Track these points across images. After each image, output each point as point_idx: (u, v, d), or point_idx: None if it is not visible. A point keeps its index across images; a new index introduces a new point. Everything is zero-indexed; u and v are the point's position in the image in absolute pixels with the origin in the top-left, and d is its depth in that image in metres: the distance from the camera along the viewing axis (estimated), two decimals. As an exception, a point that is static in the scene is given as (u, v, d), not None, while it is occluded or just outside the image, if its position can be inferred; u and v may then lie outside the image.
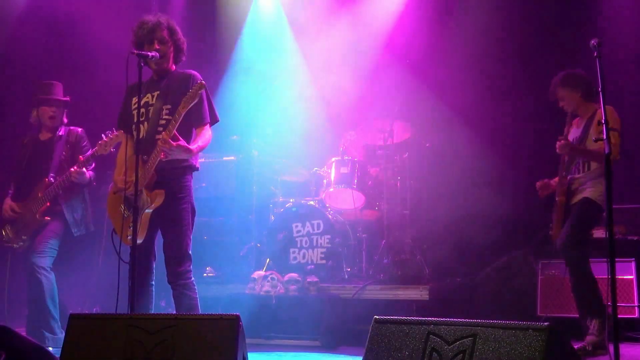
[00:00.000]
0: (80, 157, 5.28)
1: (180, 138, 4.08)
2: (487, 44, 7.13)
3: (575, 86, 5.06)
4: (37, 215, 5.27)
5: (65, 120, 5.60)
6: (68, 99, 5.58)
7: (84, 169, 5.27)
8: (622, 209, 6.10)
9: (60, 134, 5.51)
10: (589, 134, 4.91)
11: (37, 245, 5.26)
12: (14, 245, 5.33)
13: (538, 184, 5.17)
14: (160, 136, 4.10)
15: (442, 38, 7.42)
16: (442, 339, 2.63)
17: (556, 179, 5.09)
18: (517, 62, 7.22)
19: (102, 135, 5.16)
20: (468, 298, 6.51)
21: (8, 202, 5.43)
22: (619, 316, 5.36)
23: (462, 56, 7.24)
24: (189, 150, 4.17)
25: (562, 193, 4.98)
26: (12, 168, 5.65)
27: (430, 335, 2.66)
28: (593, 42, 3.86)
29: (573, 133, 5.11)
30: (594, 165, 4.93)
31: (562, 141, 4.85)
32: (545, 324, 2.48)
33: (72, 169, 5.20)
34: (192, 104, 4.06)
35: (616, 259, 5.73)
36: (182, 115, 4.06)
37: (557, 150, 4.89)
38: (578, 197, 4.95)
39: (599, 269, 4.92)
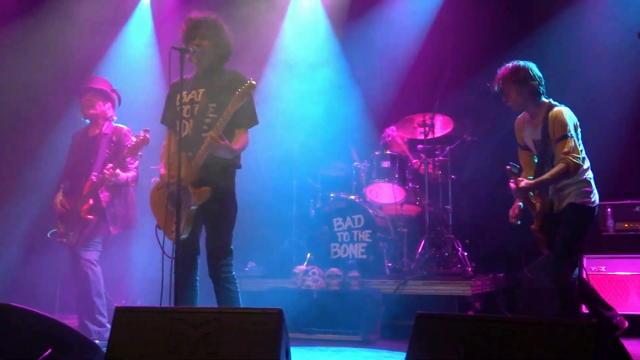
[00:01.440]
0: (110, 163, 5.35)
1: (225, 138, 4.11)
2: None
3: (526, 82, 4.58)
4: (82, 213, 5.36)
5: (111, 115, 5.63)
6: (107, 89, 5.60)
7: (118, 171, 5.33)
8: (633, 204, 6.14)
9: (105, 131, 5.55)
10: (550, 134, 4.53)
11: (84, 240, 5.35)
12: (63, 239, 5.45)
13: (512, 213, 4.83)
14: (207, 134, 4.12)
15: (484, 29, 7.32)
16: (486, 335, 2.59)
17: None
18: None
19: (131, 137, 5.21)
20: (511, 294, 6.43)
21: (59, 198, 5.53)
22: (636, 313, 5.39)
23: (505, 48, 7.15)
24: (233, 151, 4.20)
25: (538, 216, 4.65)
26: (65, 163, 5.75)
27: (474, 331, 2.63)
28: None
29: (530, 135, 4.73)
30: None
31: (514, 187, 4.58)
32: (593, 320, 2.44)
33: (106, 172, 5.26)
34: (240, 104, 4.09)
35: (618, 255, 5.80)
36: (231, 115, 4.09)
37: (514, 195, 4.64)
38: (564, 204, 4.57)
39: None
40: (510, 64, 4.66)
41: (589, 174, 4.61)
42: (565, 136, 4.45)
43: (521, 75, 4.59)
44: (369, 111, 7.90)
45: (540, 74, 4.64)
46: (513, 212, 4.82)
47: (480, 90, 7.07)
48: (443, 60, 6.69)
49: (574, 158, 4.40)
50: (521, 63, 4.64)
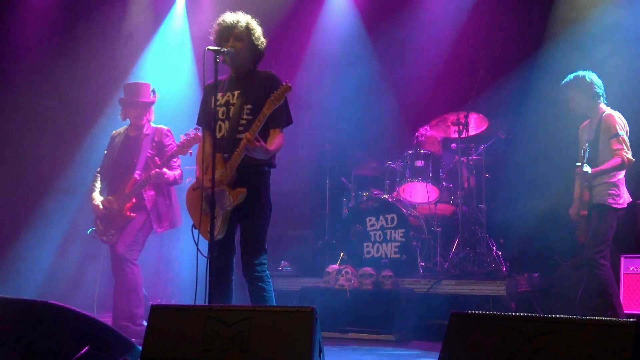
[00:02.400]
0: (157, 159, 5.42)
1: (261, 139, 4.13)
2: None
3: (586, 88, 5.23)
4: (124, 212, 5.45)
5: (152, 118, 5.74)
6: (154, 99, 5.71)
7: (164, 170, 5.42)
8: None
9: (146, 132, 5.66)
10: (600, 136, 5.16)
11: (125, 239, 5.44)
12: (103, 238, 5.53)
13: (572, 211, 5.38)
14: (243, 135, 4.15)
15: (518, 26, 7.25)
16: (523, 335, 2.56)
17: (576, 195, 5.33)
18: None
19: (181, 136, 5.28)
20: (546, 294, 6.34)
21: (98, 197, 5.61)
22: None
23: (538, 45, 7.08)
24: (268, 152, 4.22)
25: (584, 205, 5.20)
26: (102, 162, 5.84)
27: (510, 331, 2.60)
28: None
29: (587, 136, 5.32)
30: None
31: (579, 169, 5.09)
32: (632, 320, 2.39)
33: (153, 172, 5.37)
34: (277, 106, 4.10)
35: None
36: (267, 116, 4.10)
37: (577, 176, 5.20)
38: (594, 201, 5.18)
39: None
40: (575, 73, 5.31)
41: (621, 176, 5.19)
42: (617, 134, 5.07)
43: (583, 81, 5.24)
44: (403, 110, 7.87)
45: (600, 82, 5.27)
46: (573, 210, 5.37)
47: (515, 88, 7.06)
48: (477, 57, 6.61)
49: (626, 154, 5.03)
50: (581, 71, 5.30)
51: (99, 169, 5.81)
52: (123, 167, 5.61)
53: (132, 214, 5.45)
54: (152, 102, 5.70)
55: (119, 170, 5.63)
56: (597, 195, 5.17)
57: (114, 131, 5.89)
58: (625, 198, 5.20)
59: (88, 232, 5.68)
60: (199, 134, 5.05)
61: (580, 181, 5.20)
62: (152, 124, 5.74)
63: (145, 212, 5.50)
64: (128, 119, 5.73)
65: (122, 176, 5.57)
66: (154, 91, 5.72)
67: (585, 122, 5.45)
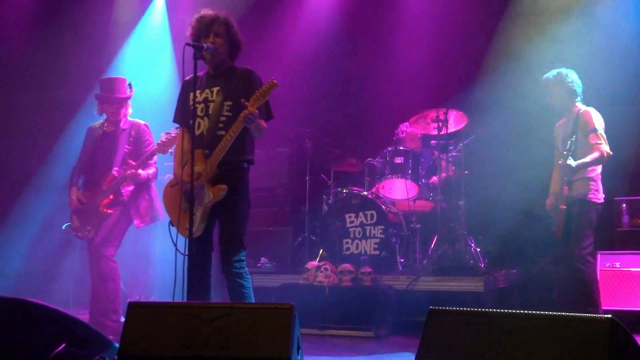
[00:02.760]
0: (132, 161, 5.38)
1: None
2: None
3: (565, 85, 5.31)
4: (101, 208, 5.40)
5: (129, 113, 5.69)
6: (130, 95, 5.66)
7: (140, 171, 5.37)
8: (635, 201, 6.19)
9: (123, 127, 5.61)
10: (577, 133, 5.19)
11: (103, 234, 5.40)
12: (78, 233, 5.48)
13: (549, 201, 5.44)
14: (223, 132, 4.17)
15: (496, 23, 7.29)
16: (500, 330, 2.58)
17: (552, 190, 5.41)
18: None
19: (162, 135, 5.24)
20: (524, 290, 6.40)
21: (75, 193, 5.55)
22: (636, 309, 5.42)
23: (517, 43, 7.13)
24: (263, 130, 4.26)
25: (563, 200, 5.23)
26: (79, 157, 5.78)
27: (487, 326, 2.62)
28: None
29: (562, 133, 5.42)
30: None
31: (562, 162, 5.09)
32: (608, 316, 2.42)
33: (128, 172, 5.32)
34: (262, 102, 4.11)
35: (633, 251, 5.78)
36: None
37: (561, 169, 5.17)
38: (573, 196, 5.22)
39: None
40: (556, 70, 5.36)
41: (598, 171, 5.26)
42: (595, 129, 5.14)
43: (564, 78, 5.30)
44: (383, 107, 7.88)
45: (579, 81, 5.35)
46: (550, 201, 5.43)
47: (494, 85, 7.11)
48: (457, 55, 6.65)
49: (605, 148, 5.09)
50: (563, 69, 5.36)
51: (76, 164, 5.75)
52: (100, 163, 5.56)
53: (109, 211, 5.40)
54: (129, 97, 5.65)
55: (96, 166, 5.58)
56: (576, 190, 5.21)
57: (90, 125, 5.83)
58: (602, 193, 5.27)
59: (63, 227, 5.63)
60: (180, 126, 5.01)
61: (561, 175, 5.22)
62: (129, 119, 5.69)
63: (123, 208, 5.46)
64: (105, 114, 5.67)
65: (99, 172, 5.53)
66: (130, 85, 5.67)
67: (561, 121, 5.51)
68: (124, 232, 5.51)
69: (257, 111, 4.08)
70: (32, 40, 7.36)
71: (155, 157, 5.56)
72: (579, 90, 5.35)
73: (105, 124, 5.70)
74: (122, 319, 5.13)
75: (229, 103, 4.28)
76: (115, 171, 5.43)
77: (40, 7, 7.37)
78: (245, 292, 4.24)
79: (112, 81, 5.71)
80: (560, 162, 5.13)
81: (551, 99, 5.42)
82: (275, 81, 4.09)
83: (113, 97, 5.59)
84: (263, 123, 4.26)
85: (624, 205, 6.19)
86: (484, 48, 7.29)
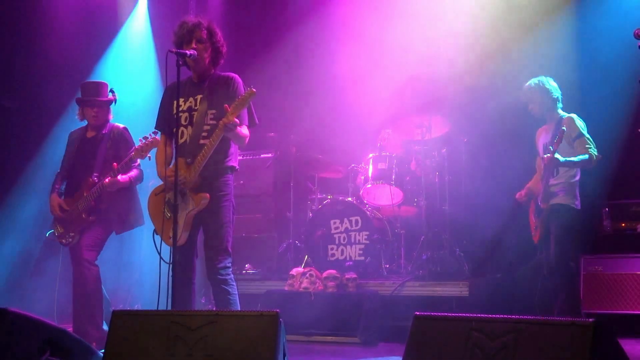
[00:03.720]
0: (115, 164, 5.34)
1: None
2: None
3: (546, 93, 5.40)
4: (83, 214, 5.35)
5: (110, 117, 5.63)
6: (112, 98, 5.60)
7: (119, 177, 5.32)
8: (630, 204, 6.23)
9: (104, 132, 5.56)
10: (559, 130, 5.15)
11: (84, 240, 5.33)
12: (62, 240, 5.44)
13: (520, 194, 5.56)
14: (206, 141, 4.17)
15: (477, 32, 7.33)
16: (485, 335, 2.59)
17: (530, 185, 5.55)
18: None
19: (140, 139, 5.20)
20: (509, 294, 6.43)
21: (57, 200, 5.49)
22: (634, 312, 5.47)
23: (504, 48, 7.19)
24: (243, 139, 4.25)
25: (544, 200, 5.29)
26: (61, 163, 5.72)
27: (472, 332, 2.63)
28: (636, 31, 3.83)
29: (543, 138, 5.49)
30: (562, 170, 5.28)
31: (549, 156, 5.08)
32: (591, 320, 2.43)
33: (106, 181, 5.26)
34: (241, 110, 4.11)
35: (615, 254, 5.88)
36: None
37: (544, 163, 5.18)
38: (552, 201, 5.28)
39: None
40: (537, 78, 5.46)
41: (577, 177, 5.33)
42: (582, 134, 5.22)
43: (543, 86, 5.40)
44: (366, 113, 7.90)
45: (557, 88, 5.46)
46: (520, 194, 5.56)
47: (477, 91, 7.15)
48: (439, 61, 6.68)
49: (594, 151, 5.14)
50: (542, 77, 5.46)
51: (59, 170, 5.72)
52: (81, 169, 5.50)
53: (90, 217, 5.36)
54: (110, 101, 5.59)
55: (77, 172, 5.52)
56: (556, 195, 5.27)
57: (72, 131, 5.78)
58: (579, 200, 5.33)
59: (47, 234, 5.58)
60: (157, 137, 4.95)
61: (544, 172, 5.25)
62: (110, 122, 5.62)
63: (104, 214, 5.41)
64: (86, 120, 5.64)
65: (80, 178, 5.47)
66: (112, 90, 5.61)
67: (542, 127, 5.59)
68: (105, 238, 5.45)
69: (236, 120, 4.06)
70: (16, 45, 7.30)
71: (138, 160, 5.52)
72: (560, 96, 5.45)
73: (87, 130, 5.65)
74: (106, 327, 5.11)
75: (213, 111, 4.28)
76: (95, 177, 5.39)
77: (21, 10, 7.30)
78: (231, 298, 4.24)
79: (94, 85, 5.65)
80: (546, 155, 5.13)
81: (535, 107, 5.49)
82: (253, 90, 4.08)
83: (94, 100, 5.53)
84: (244, 131, 4.25)
85: (606, 209, 6.24)
86: (465, 53, 7.33)
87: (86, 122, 5.65)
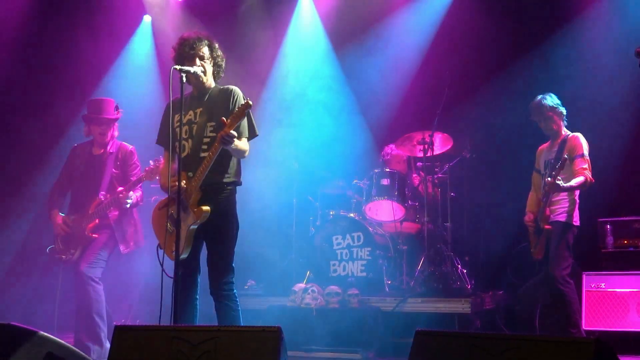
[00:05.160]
0: (120, 189, 5.34)
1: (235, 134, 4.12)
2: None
3: (554, 109, 5.41)
4: (87, 232, 5.38)
5: (116, 134, 5.68)
6: (118, 116, 5.65)
7: (131, 193, 5.35)
8: (632, 221, 6.23)
9: (111, 150, 5.60)
10: (562, 156, 5.16)
11: (87, 257, 5.35)
12: (63, 256, 5.45)
13: (529, 219, 5.50)
14: (206, 154, 4.17)
15: (481, 48, 7.37)
16: (486, 352, 2.59)
17: (530, 207, 5.56)
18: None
19: (150, 162, 5.20)
20: (511, 311, 6.41)
21: (59, 218, 5.53)
22: (636, 330, 5.47)
23: (501, 67, 7.22)
24: (243, 152, 4.24)
25: (544, 220, 5.29)
26: (59, 175, 5.73)
27: (474, 348, 2.63)
28: (637, 49, 3.84)
29: (545, 156, 5.51)
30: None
31: (551, 181, 5.05)
32: (592, 337, 2.44)
33: (120, 195, 5.27)
34: (238, 123, 4.11)
35: (617, 272, 5.88)
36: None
37: (547, 189, 5.18)
38: (552, 219, 5.29)
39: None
40: (545, 95, 5.44)
41: (576, 194, 5.33)
42: (582, 154, 5.22)
43: (554, 102, 5.42)
44: (369, 129, 7.92)
45: (560, 103, 5.46)
46: (529, 218, 5.51)
47: (479, 108, 7.18)
48: (442, 78, 6.70)
49: (589, 174, 5.16)
50: (549, 94, 5.46)
51: (55, 183, 5.71)
52: (87, 186, 5.53)
53: (94, 235, 5.38)
54: (116, 119, 5.65)
55: (83, 189, 5.55)
56: (556, 212, 5.29)
57: (76, 145, 5.82)
58: (577, 217, 5.35)
59: (47, 250, 5.59)
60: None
61: (543, 194, 5.28)
62: (117, 140, 5.68)
63: (108, 231, 5.44)
64: (92, 136, 5.67)
65: (86, 195, 5.50)
66: (117, 107, 5.66)
67: (545, 144, 5.59)
68: (109, 254, 5.48)
69: (233, 132, 4.07)
70: (21, 62, 7.35)
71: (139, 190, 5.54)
72: (564, 112, 5.46)
73: (93, 146, 5.68)
74: (107, 343, 5.10)
75: (212, 124, 4.29)
76: (102, 195, 5.41)
77: (29, 29, 7.36)
78: (233, 314, 4.24)
79: (100, 102, 5.70)
80: (548, 179, 5.13)
81: (546, 124, 5.46)
82: (250, 102, 4.09)
83: (101, 118, 5.58)
84: (243, 144, 4.25)
85: (609, 226, 6.24)
86: (468, 70, 7.36)
87: (91, 137, 5.68)
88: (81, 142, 5.81)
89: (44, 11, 7.41)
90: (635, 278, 5.82)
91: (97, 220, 5.39)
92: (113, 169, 5.53)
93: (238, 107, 4.10)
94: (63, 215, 5.58)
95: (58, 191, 5.68)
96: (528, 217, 5.50)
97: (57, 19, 7.50)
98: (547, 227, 5.26)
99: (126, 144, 5.69)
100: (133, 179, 5.47)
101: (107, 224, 5.43)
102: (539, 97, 5.47)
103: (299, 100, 7.92)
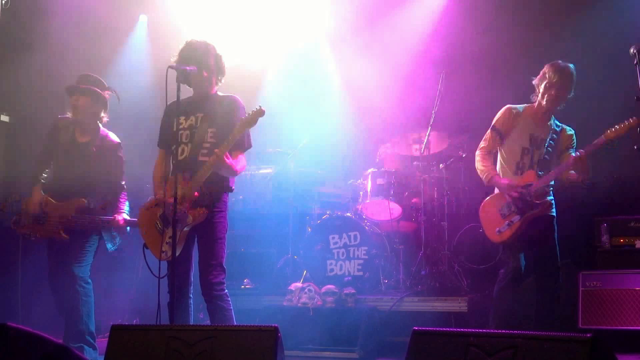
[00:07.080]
0: (120, 217, 5.08)
1: (230, 157, 4.17)
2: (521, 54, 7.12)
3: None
4: (61, 232, 5.02)
5: (105, 120, 5.25)
6: (107, 97, 5.19)
7: (121, 215, 5.10)
8: (628, 219, 6.20)
9: (97, 142, 5.18)
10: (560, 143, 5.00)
11: (76, 255, 5.04)
12: (22, 231, 5.08)
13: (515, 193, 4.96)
14: (205, 158, 4.23)
15: (477, 48, 7.38)
16: (483, 351, 2.59)
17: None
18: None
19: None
20: (508, 310, 6.40)
21: (40, 196, 5.10)
22: (632, 328, 5.46)
23: (497, 64, 7.22)
24: (235, 172, 4.29)
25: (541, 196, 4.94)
26: (43, 149, 5.32)
27: (470, 347, 2.63)
28: (632, 49, 3.84)
29: (529, 128, 5.02)
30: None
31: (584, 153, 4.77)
32: (588, 335, 2.44)
33: (115, 217, 5.05)
34: (248, 129, 4.16)
35: (613, 270, 5.86)
36: (236, 138, 4.13)
37: (573, 161, 4.79)
38: (548, 212, 4.96)
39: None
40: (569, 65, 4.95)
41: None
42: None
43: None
44: (365, 128, 7.93)
45: None
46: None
47: (475, 106, 7.18)
48: (437, 77, 6.70)
49: None
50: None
51: (40, 157, 5.30)
52: (71, 177, 5.12)
53: (65, 236, 5.01)
54: (106, 98, 5.18)
55: (66, 179, 5.14)
56: (550, 206, 5.03)
57: (61, 117, 5.28)
58: None
59: (12, 221, 5.13)
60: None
61: (542, 168, 4.95)
62: (104, 129, 5.24)
63: (95, 230, 5.13)
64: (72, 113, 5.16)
65: (69, 188, 5.09)
66: (111, 90, 5.23)
67: (525, 107, 5.14)
68: (94, 251, 5.15)
69: (225, 159, 4.11)
70: (13, 61, 7.32)
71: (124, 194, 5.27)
72: None
73: (76, 132, 5.21)
74: (96, 344, 5.05)
75: (213, 130, 4.34)
76: (89, 202, 5.08)
77: (20, 25, 7.33)
78: (226, 314, 4.26)
79: (85, 75, 5.22)
80: (577, 154, 4.79)
81: (566, 96, 5.01)
82: (263, 109, 4.13)
83: (88, 89, 5.09)
84: (238, 166, 4.28)
85: (604, 224, 6.24)
86: (464, 68, 7.37)
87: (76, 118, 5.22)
88: (64, 116, 5.30)
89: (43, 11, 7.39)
90: (632, 277, 5.81)
91: (77, 228, 5.03)
92: (98, 165, 5.14)
93: (248, 114, 4.12)
94: (43, 194, 5.14)
95: (42, 167, 5.25)
96: (515, 192, 4.90)
97: (53, 18, 7.48)
98: (537, 202, 4.85)
99: (112, 137, 5.25)
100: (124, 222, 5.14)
101: (94, 223, 5.07)
102: (571, 65, 4.98)
103: (294, 98, 7.92)
